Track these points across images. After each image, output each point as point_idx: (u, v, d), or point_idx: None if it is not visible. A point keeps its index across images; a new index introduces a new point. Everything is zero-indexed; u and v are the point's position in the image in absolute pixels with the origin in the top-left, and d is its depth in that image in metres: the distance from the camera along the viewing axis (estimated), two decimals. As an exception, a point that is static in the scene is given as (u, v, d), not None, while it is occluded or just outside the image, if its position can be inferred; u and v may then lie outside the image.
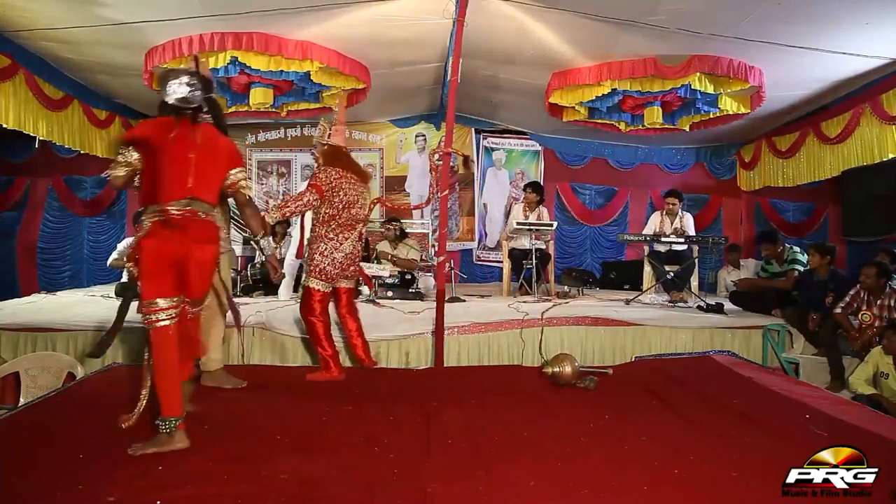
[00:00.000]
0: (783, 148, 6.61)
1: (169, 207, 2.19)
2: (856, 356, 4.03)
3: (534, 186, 6.32)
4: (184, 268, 2.24)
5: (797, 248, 5.30)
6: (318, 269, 3.30)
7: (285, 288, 5.22)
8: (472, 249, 7.93)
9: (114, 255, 5.73)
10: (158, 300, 2.21)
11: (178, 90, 2.26)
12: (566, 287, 6.24)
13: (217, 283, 2.64)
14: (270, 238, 3.22)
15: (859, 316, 4.22)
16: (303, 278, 3.42)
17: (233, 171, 2.40)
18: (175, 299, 2.24)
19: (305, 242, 3.40)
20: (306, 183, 3.38)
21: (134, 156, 2.25)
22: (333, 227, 3.30)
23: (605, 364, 4.02)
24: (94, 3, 4.04)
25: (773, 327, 4.71)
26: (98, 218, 7.66)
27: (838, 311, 4.24)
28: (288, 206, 3.20)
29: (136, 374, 3.27)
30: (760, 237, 5.62)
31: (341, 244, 3.31)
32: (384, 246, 5.92)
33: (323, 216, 3.29)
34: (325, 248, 3.29)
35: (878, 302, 4.13)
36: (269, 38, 4.58)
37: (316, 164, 3.44)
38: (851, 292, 4.27)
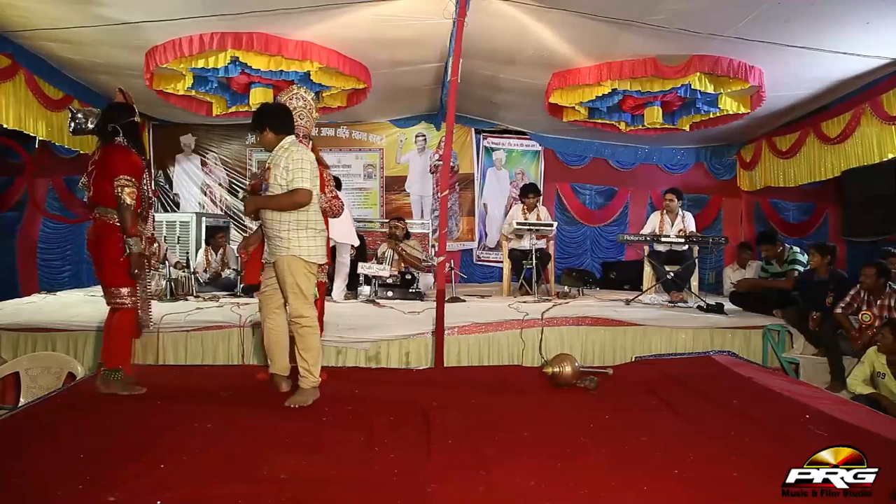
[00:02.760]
0: (783, 148, 6.61)
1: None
2: (856, 356, 4.02)
3: (531, 189, 6.32)
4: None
5: (797, 249, 5.30)
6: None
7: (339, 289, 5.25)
8: (472, 249, 7.93)
9: None
10: None
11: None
12: (566, 287, 6.24)
13: None
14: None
15: (860, 316, 4.22)
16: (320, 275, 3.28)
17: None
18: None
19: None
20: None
21: None
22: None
23: (605, 364, 4.02)
24: (94, 3, 4.04)
25: (773, 327, 4.71)
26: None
27: (839, 311, 4.24)
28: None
29: (135, 373, 3.29)
30: (760, 238, 5.62)
31: None
32: (386, 247, 5.93)
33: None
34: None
35: (879, 302, 4.13)
36: (270, 38, 4.58)
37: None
38: (851, 292, 4.27)
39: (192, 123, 7.34)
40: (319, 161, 3.27)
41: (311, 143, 3.37)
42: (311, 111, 3.41)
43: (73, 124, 3.03)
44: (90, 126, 3.01)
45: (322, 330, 3.36)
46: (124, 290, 2.94)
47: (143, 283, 3.11)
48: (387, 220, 6.35)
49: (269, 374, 3.16)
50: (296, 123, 3.15)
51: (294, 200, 2.84)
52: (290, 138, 2.99)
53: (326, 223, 3.21)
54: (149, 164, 3.07)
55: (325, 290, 3.58)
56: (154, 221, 3.25)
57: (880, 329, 3.70)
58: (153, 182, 3.16)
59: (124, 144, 2.98)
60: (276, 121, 2.98)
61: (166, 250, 5.14)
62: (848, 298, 4.26)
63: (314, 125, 3.48)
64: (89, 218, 3.00)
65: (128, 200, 2.83)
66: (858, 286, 4.26)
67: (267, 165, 2.98)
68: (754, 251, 6.36)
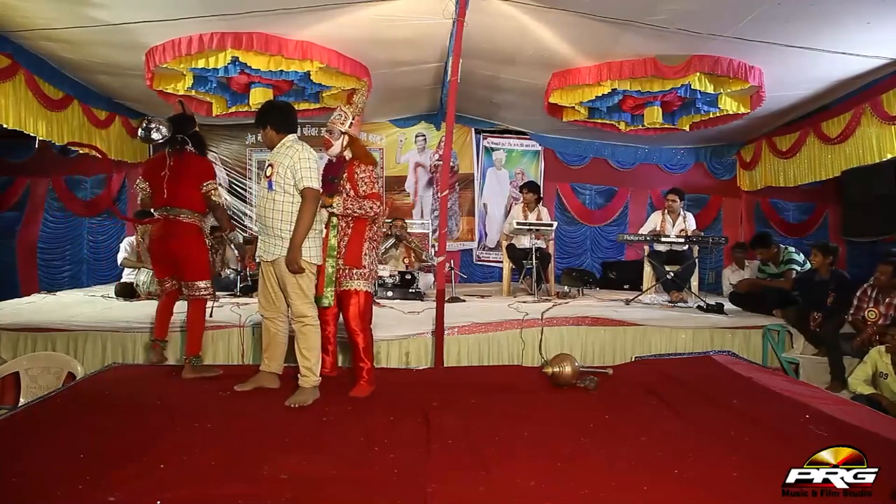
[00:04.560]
0: (783, 148, 6.61)
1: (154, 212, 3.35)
2: (857, 356, 4.02)
3: (530, 186, 6.33)
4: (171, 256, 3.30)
5: (792, 248, 5.29)
6: (373, 271, 3.19)
7: None
8: (472, 249, 7.94)
9: (123, 254, 5.73)
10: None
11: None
12: (566, 287, 6.24)
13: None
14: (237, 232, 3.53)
15: (865, 313, 4.22)
16: (355, 283, 3.10)
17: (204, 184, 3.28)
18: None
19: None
20: (363, 185, 3.06)
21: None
22: (375, 229, 3.21)
23: (605, 364, 4.02)
24: (94, 4, 4.04)
25: (773, 327, 4.71)
26: (98, 218, 7.66)
27: (849, 318, 4.26)
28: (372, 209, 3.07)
29: (135, 373, 3.30)
30: (753, 241, 5.59)
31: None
32: (389, 246, 5.94)
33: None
34: (371, 249, 3.19)
35: (887, 300, 4.13)
36: (270, 38, 4.58)
37: (346, 157, 3.15)
38: (858, 293, 4.28)
39: (191, 123, 7.33)
40: (365, 159, 3.16)
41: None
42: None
43: (143, 132, 3.29)
44: (163, 136, 3.29)
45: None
46: (207, 283, 3.33)
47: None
48: (387, 221, 6.35)
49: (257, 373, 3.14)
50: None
51: (311, 211, 2.84)
52: (292, 136, 2.98)
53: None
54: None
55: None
56: None
57: (888, 329, 3.69)
58: None
59: (195, 153, 3.33)
60: (278, 119, 2.97)
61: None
62: (856, 301, 4.27)
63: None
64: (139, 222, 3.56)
65: (219, 201, 3.27)
66: (866, 284, 4.25)
67: (268, 163, 2.97)
68: (749, 250, 6.37)
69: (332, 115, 3.15)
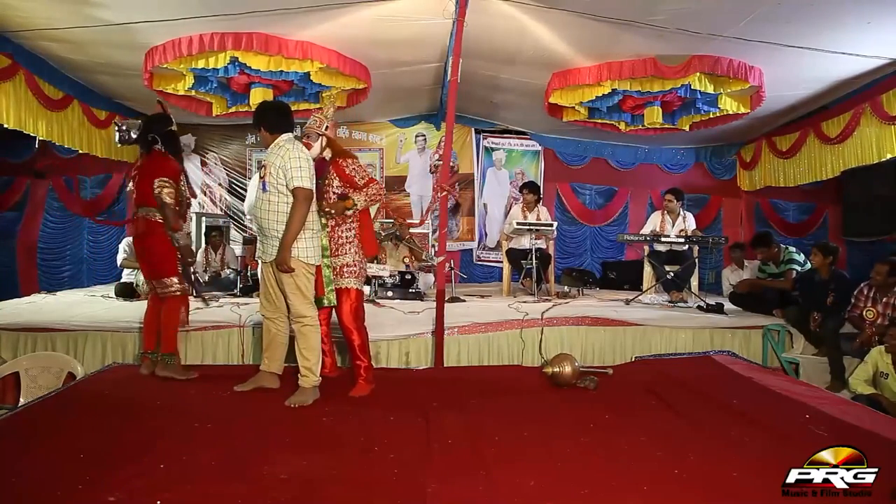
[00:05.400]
0: (783, 148, 6.61)
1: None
2: (857, 356, 4.02)
3: (530, 187, 6.33)
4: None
5: (792, 248, 5.30)
6: (362, 269, 3.23)
7: None
8: (472, 249, 7.94)
9: (122, 255, 5.73)
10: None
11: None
12: (566, 287, 6.24)
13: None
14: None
15: (863, 312, 4.23)
16: (346, 281, 3.14)
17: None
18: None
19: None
20: (358, 175, 3.14)
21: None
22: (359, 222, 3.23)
23: (605, 364, 4.02)
24: (94, 4, 4.04)
25: (773, 327, 4.71)
26: (100, 218, 7.65)
27: (846, 314, 4.26)
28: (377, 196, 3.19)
29: (135, 373, 3.30)
30: (754, 241, 5.59)
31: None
32: (389, 245, 5.95)
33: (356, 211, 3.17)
34: (360, 247, 3.22)
35: (884, 300, 4.13)
36: (270, 38, 4.58)
37: (326, 157, 3.20)
38: (855, 292, 4.28)
39: (192, 123, 7.33)
40: (345, 154, 3.22)
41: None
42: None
43: (118, 135, 3.39)
44: (133, 136, 3.36)
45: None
46: (174, 280, 3.28)
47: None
48: (390, 221, 6.36)
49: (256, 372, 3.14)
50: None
51: (302, 211, 2.84)
52: (285, 136, 2.99)
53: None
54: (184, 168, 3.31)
55: None
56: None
57: (888, 329, 3.70)
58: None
59: (163, 151, 3.31)
60: (272, 119, 2.99)
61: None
62: (853, 301, 4.28)
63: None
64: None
65: (167, 199, 3.16)
66: (863, 284, 4.26)
67: (262, 163, 2.98)
68: (747, 250, 6.37)
69: (309, 121, 3.23)
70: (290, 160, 2.84)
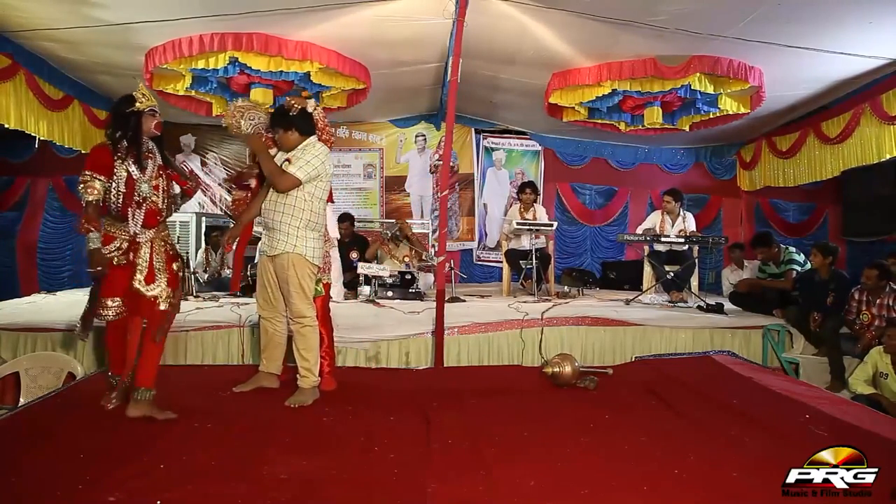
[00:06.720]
0: (783, 148, 6.61)
1: None
2: (857, 356, 4.03)
3: (531, 187, 6.33)
4: None
5: (792, 248, 5.30)
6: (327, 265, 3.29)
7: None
8: (472, 249, 7.94)
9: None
10: None
11: None
12: (566, 287, 6.24)
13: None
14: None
15: (859, 315, 4.24)
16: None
17: None
18: None
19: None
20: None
21: None
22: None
23: (605, 364, 4.02)
24: (94, 4, 4.04)
25: (773, 327, 4.71)
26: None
27: (844, 317, 4.29)
28: None
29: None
30: (754, 241, 5.59)
31: None
32: (389, 245, 5.96)
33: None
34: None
35: (878, 301, 4.15)
36: (269, 38, 4.58)
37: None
38: (847, 297, 4.32)
39: (192, 123, 7.34)
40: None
41: None
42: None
43: None
44: None
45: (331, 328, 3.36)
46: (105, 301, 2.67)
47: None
48: (391, 221, 6.37)
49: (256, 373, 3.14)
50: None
51: (282, 178, 2.85)
52: (313, 138, 3.02)
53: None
54: (140, 159, 2.77)
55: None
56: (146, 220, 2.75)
57: (886, 329, 3.71)
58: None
59: (107, 142, 2.79)
60: (304, 123, 3.00)
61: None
62: (846, 305, 4.32)
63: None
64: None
65: (87, 196, 2.65)
66: (856, 288, 4.29)
67: (286, 158, 2.98)
68: (747, 250, 6.37)
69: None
70: (308, 152, 2.91)
